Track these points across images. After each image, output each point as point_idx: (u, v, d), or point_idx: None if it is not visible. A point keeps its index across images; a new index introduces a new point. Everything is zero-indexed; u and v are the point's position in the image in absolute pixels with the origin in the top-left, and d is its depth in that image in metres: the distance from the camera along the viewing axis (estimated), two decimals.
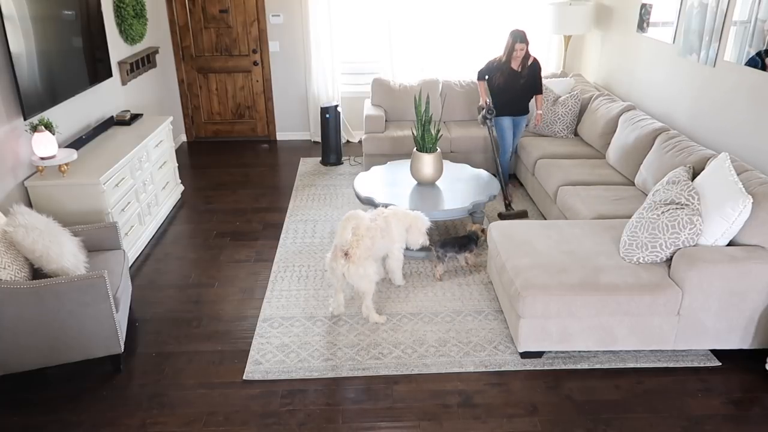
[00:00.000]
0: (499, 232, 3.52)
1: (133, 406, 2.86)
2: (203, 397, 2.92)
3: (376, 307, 3.52)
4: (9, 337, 2.79)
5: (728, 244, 3.05)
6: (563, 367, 3.09)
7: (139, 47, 5.72)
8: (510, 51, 4.80)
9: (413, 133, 4.44)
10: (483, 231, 4.07)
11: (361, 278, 3.33)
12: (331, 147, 6.05)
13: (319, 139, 6.59)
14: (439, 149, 4.38)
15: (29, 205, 3.68)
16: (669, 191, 3.18)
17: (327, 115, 5.97)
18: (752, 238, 2.98)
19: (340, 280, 3.40)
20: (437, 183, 4.46)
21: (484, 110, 4.90)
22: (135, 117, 4.97)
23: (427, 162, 4.32)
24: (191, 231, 4.71)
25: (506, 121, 5.02)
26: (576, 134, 5.43)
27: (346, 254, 3.31)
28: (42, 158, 3.65)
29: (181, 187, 5.38)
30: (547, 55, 6.53)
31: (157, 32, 6.31)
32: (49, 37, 3.81)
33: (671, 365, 3.11)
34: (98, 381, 3.03)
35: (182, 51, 6.55)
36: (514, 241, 3.37)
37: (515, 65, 4.86)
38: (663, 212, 3.09)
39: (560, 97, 5.42)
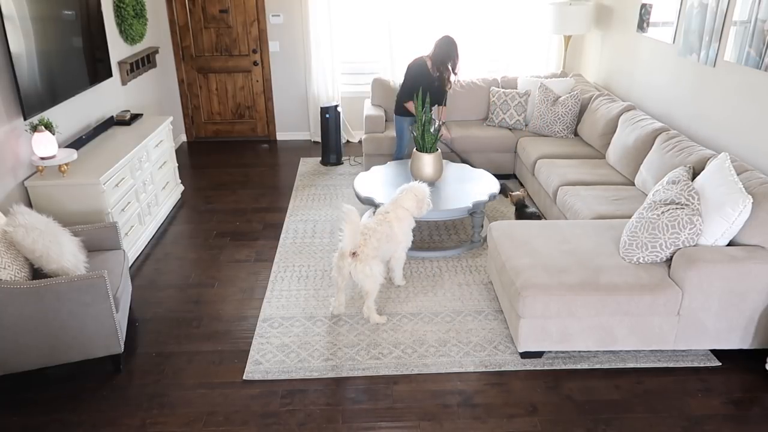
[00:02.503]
0: (499, 232, 3.52)
1: (133, 406, 2.86)
2: (203, 397, 2.92)
3: (377, 307, 3.52)
4: (9, 337, 2.79)
5: (728, 244, 3.05)
6: (563, 367, 3.09)
7: (139, 47, 5.72)
8: (455, 64, 4.77)
9: (413, 133, 4.44)
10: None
11: (366, 277, 3.34)
12: (331, 147, 6.05)
13: (319, 139, 6.58)
14: (439, 149, 4.38)
15: (29, 205, 3.68)
16: (669, 191, 3.18)
17: (327, 115, 5.97)
18: (752, 238, 2.98)
19: (345, 278, 3.39)
20: (437, 183, 4.46)
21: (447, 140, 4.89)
22: (135, 117, 4.97)
23: (427, 162, 4.32)
24: (191, 231, 4.71)
25: (408, 122, 5.02)
26: (576, 134, 5.43)
27: (353, 254, 3.31)
28: (42, 158, 3.65)
29: (181, 187, 5.38)
30: (547, 55, 6.53)
31: (157, 32, 6.32)
32: (49, 37, 3.81)
33: (671, 365, 3.11)
34: (98, 381, 3.03)
35: (182, 51, 6.55)
36: (514, 241, 3.37)
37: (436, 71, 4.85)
38: (663, 212, 3.09)
39: (560, 97, 5.42)
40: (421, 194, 3.67)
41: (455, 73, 4.91)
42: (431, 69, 4.82)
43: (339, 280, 3.43)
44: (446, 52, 4.75)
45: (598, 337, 3.04)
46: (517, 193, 4.54)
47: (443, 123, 5.06)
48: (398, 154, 5.24)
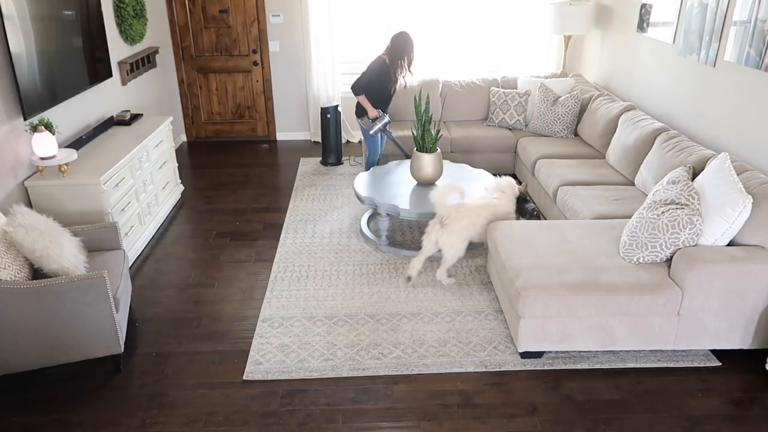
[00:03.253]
0: (499, 232, 3.52)
1: (133, 406, 2.86)
2: (203, 397, 2.92)
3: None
4: (9, 337, 2.79)
5: (728, 244, 3.06)
6: (563, 367, 3.09)
7: (139, 47, 5.72)
8: (410, 61, 4.75)
9: (413, 133, 4.44)
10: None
11: (449, 247, 3.69)
12: (331, 147, 6.05)
13: (319, 139, 6.58)
14: (439, 149, 4.38)
15: (29, 205, 3.68)
16: (669, 191, 3.18)
17: (327, 115, 5.97)
18: (752, 238, 2.98)
19: (432, 244, 3.71)
20: (437, 183, 4.46)
21: (385, 122, 4.86)
22: (135, 117, 4.97)
23: (427, 162, 4.32)
24: (191, 231, 4.71)
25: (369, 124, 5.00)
26: (576, 134, 5.44)
27: (442, 223, 3.65)
28: (42, 158, 3.65)
29: (181, 187, 5.38)
30: (547, 55, 6.53)
31: (157, 32, 6.31)
32: (49, 37, 3.81)
33: (671, 365, 3.11)
34: (98, 381, 3.03)
35: (182, 51, 6.55)
36: (514, 241, 3.37)
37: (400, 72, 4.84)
38: (663, 212, 3.09)
39: (560, 97, 5.42)
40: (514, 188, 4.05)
41: (410, 71, 4.85)
42: (389, 66, 4.78)
43: (426, 244, 3.73)
44: (402, 49, 4.71)
45: (598, 337, 3.04)
46: (519, 186, 4.55)
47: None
48: (371, 159, 5.13)
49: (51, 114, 3.92)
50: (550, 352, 3.18)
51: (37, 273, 2.99)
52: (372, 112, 4.85)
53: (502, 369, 3.08)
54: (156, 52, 6.11)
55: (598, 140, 4.98)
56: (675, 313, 2.99)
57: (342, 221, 4.79)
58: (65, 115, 4.18)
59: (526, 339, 3.05)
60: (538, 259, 3.17)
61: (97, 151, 4.20)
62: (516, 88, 5.86)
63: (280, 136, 6.98)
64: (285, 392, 2.94)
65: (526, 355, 3.14)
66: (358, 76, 4.86)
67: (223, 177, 5.84)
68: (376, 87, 4.84)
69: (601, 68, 5.94)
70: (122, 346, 3.01)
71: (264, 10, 6.40)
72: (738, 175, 3.18)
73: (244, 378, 3.03)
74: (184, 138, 6.95)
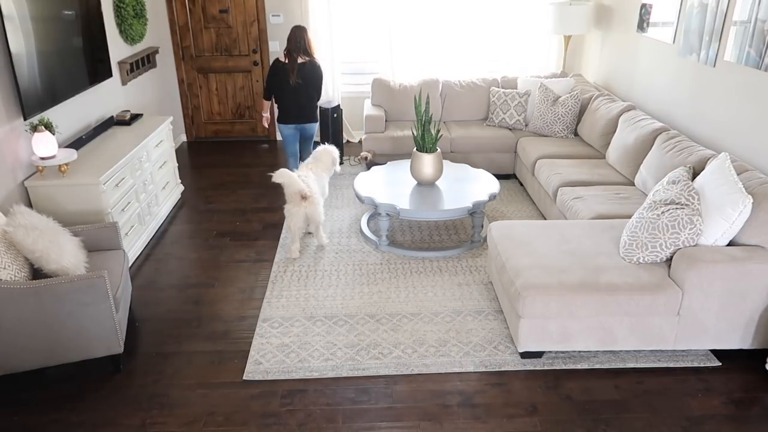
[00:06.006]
0: (499, 232, 3.52)
1: (133, 406, 2.86)
2: (203, 397, 2.92)
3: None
4: (9, 337, 2.79)
5: (728, 244, 3.06)
6: (563, 367, 3.09)
7: (139, 47, 5.72)
8: (308, 45, 4.77)
9: (413, 133, 4.44)
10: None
11: (320, 213, 4.20)
12: None
13: (319, 139, 6.58)
14: (439, 149, 4.38)
15: (29, 205, 3.68)
16: (669, 191, 3.18)
17: (334, 115, 5.96)
18: (752, 238, 2.98)
19: (302, 220, 4.17)
20: (437, 183, 4.46)
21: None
22: (135, 117, 4.97)
23: (427, 162, 4.32)
24: (191, 231, 4.71)
25: (290, 130, 5.05)
26: (576, 134, 5.44)
27: (306, 197, 4.05)
28: (42, 158, 3.65)
29: (181, 187, 5.38)
30: (547, 55, 6.53)
31: (157, 32, 6.32)
32: (49, 37, 3.81)
33: (671, 365, 3.11)
34: (98, 381, 3.03)
35: (182, 51, 6.55)
36: (514, 241, 3.37)
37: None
38: (663, 212, 3.09)
39: (560, 97, 5.42)
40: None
41: (312, 56, 4.78)
42: (285, 60, 4.74)
43: (295, 224, 4.12)
44: (297, 40, 4.70)
45: (598, 337, 3.04)
46: (365, 153, 4.84)
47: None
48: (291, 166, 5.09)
49: (51, 114, 3.92)
50: (550, 352, 3.18)
51: (37, 273, 2.99)
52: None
53: (502, 369, 3.08)
54: (156, 52, 6.11)
55: (598, 140, 4.98)
56: (675, 313, 2.99)
57: (342, 221, 4.79)
58: (65, 115, 4.18)
59: (526, 339, 3.05)
60: (538, 259, 3.17)
61: (97, 151, 4.20)
62: (516, 88, 5.86)
63: (280, 136, 6.97)
64: (285, 392, 2.94)
65: (526, 355, 3.14)
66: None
67: (223, 177, 5.84)
68: (276, 87, 4.88)
69: (601, 68, 5.94)
70: (122, 346, 3.02)
71: (264, 10, 6.40)
72: (738, 175, 3.18)
73: (244, 378, 3.03)
74: (184, 138, 6.95)
